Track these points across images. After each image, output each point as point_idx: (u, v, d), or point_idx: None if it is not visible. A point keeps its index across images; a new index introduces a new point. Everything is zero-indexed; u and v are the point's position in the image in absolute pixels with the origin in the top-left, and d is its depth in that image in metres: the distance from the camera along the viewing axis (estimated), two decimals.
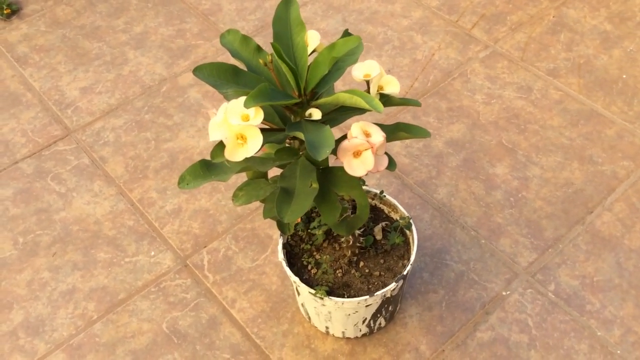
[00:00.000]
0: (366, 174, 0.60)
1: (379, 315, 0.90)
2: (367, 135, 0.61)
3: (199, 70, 0.61)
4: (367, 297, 0.83)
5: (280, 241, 0.88)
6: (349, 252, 0.88)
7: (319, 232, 0.87)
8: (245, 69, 0.66)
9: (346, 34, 0.67)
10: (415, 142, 1.17)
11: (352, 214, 0.85)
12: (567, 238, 1.03)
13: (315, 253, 0.90)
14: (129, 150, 1.18)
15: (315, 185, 0.63)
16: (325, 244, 0.91)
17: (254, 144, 0.57)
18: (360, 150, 0.60)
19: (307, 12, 1.41)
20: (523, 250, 1.02)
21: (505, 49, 1.31)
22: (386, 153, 0.63)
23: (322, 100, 0.61)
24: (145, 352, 0.94)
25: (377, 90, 0.63)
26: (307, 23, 1.38)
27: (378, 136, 0.60)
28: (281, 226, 0.65)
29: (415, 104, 0.65)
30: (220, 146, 0.59)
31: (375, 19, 1.39)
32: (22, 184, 1.14)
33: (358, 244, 0.88)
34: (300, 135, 0.56)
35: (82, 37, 1.38)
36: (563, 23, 1.36)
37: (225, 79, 0.61)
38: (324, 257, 0.86)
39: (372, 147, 0.60)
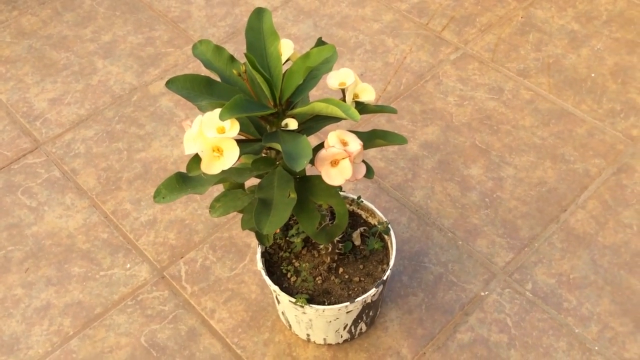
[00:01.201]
0: (344, 183, 0.60)
1: (359, 321, 0.90)
2: (344, 143, 0.61)
3: (171, 83, 0.60)
4: (348, 303, 0.83)
5: (259, 250, 0.87)
6: (328, 258, 0.88)
7: (297, 240, 0.86)
8: (219, 79, 0.65)
9: (320, 42, 0.67)
10: (390, 146, 1.17)
11: (330, 221, 0.85)
12: (543, 237, 1.04)
13: (294, 261, 0.89)
14: (100, 162, 1.16)
15: (294, 195, 0.63)
16: (304, 251, 0.90)
17: (230, 157, 0.57)
18: (337, 159, 0.60)
19: (278, 18, 1.40)
20: (500, 250, 1.03)
21: (475, 51, 1.33)
22: (363, 161, 0.63)
23: (297, 110, 0.61)
24: None
25: (353, 99, 0.63)
26: (279, 29, 1.38)
27: (355, 145, 0.60)
28: (260, 237, 0.65)
29: (392, 111, 0.65)
30: (196, 159, 0.58)
31: (346, 23, 1.39)
32: None
33: (337, 251, 0.88)
34: (277, 146, 0.56)
35: (49, 48, 1.35)
36: (531, 24, 1.37)
37: (198, 90, 0.61)
38: (303, 264, 0.85)
39: (349, 156, 0.59)
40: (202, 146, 0.56)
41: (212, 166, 0.57)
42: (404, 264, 1.02)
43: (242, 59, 1.30)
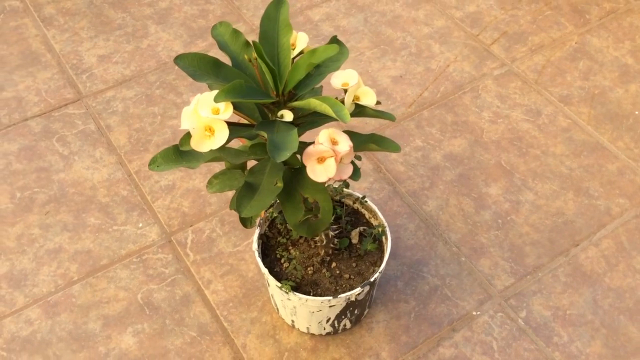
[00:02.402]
0: (328, 180, 0.61)
1: (343, 317, 0.91)
2: (334, 143, 0.62)
3: (180, 59, 0.63)
4: (331, 298, 0.85)
5: (257, 232, 0.90)
6: (322, 251, 0.90)
7: None
8: (231, 62, 0.67)
9: (333, 40, 0.68)
10: (414, 151, 1.17)
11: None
12: (548, 267, 1.03)
13: (290, 248, 0.92)
14: (135, 122, 1.21)
15: (280, 184, 0.64)
16: (301, 240, 0.92)
17: (220, 138, 0.59)
18: (324, 157, 0.61)
19: (330, 8, 1.41)
20: (501, 273, 1.02)
21: (521, 70, 1.30)
22: (353, 162, 0.64)
23: (295, 103, 0.62)
24: (117, 318, 0.97)
25: (353, 100, 0.64)
26: (328, 19, 1.39)
27: (344, 145, 0.62)
28: (242, 220, 0.67)
29: (390, 118, 0.66)
30: (188, 135, 0.60)
31: (397, 23, 1.39)
32: (28, 141, 1.18)
33: (332, 245, 0.89)
34: (264, 135, 0.58)
35: (108, 6, 1.41)
36: (584, 51, 1.34)
37: (205, 70, 0.63)
38: (296, 253, 0.87)
39: (336, 156, 0.61)
40: (194, 124, 0.59)
41: (201, 144, 0.59)
42: (402, 270, 1.02)
43: None
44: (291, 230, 0.91)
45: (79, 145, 1.17)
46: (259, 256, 0.88)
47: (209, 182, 0.73)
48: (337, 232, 0.90)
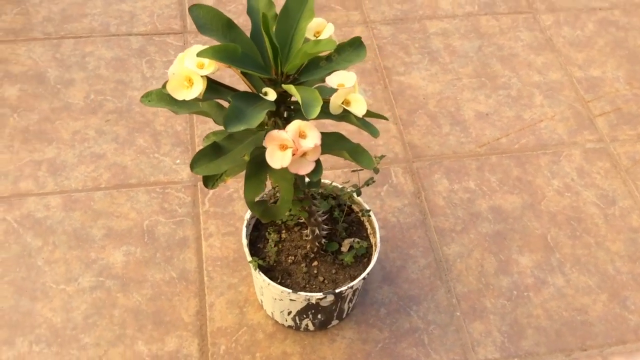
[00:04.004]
0: (281, 168, 0.61)
1: (304, 316, 0.90)
2: (302, 136, 0.61)
3: (195, 9, 0.64)
4: (290, 291, 0.84)
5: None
6: (308, 246, 0.89)
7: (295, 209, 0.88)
8: (251, 28, 0.68)
9: (355, 41, 0.67)
10: (461, 191, 1.12)
11: (324, 231, 0.86)
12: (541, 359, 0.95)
13: (283, 231, 0.92)
14: None
15: (246, 158, 0.65)
16: (296, 229, 0.92)
17: (194, 91, 0.60)
18: (285, 145, 0.61)
19: (450, 25, 1.37)
20: (490, 344, 0.95)
21: (617, 152, 1.19)
22: (319, 163, 0.63)
23: (284, 85, 0.62)
24: (118, 233, 1.03)
25: (342, 103, 0.63)
26: (442, 35, 1.35)
27: (309, 142, 0.60)
28: (205, 178, 0.68)
29: (373, 132, 0.63)
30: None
31: (510, 61, 1.32)
32: (122, 54, 1.27)
33: (317, 244, 0.88)
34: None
35: None
36: None
37: (215, 27, 0.64)
38: (273, 235, 0.87)
39: (295, 148, 0.60)
40: (176, 70, 0.61)
41: (177, 91, 0.61)
42: (392, 299, 0.99)
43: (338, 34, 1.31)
44: (290, 214, 0.91)
45: (162, 73, 1.24)
46: (246, 225, 0.89)
47: (207, 137, 0.75)
48: (327, 232, 0.89)
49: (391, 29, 1.36)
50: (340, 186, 0.93)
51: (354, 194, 0.90)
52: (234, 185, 1.10)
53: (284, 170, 0.63)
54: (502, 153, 1.18)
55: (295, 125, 0.61)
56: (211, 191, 1.09)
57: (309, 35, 0.67)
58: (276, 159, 0.61)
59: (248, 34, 0.68)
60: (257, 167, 0.66)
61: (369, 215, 0.91)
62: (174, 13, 1.35)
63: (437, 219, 1.08)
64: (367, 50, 1.30)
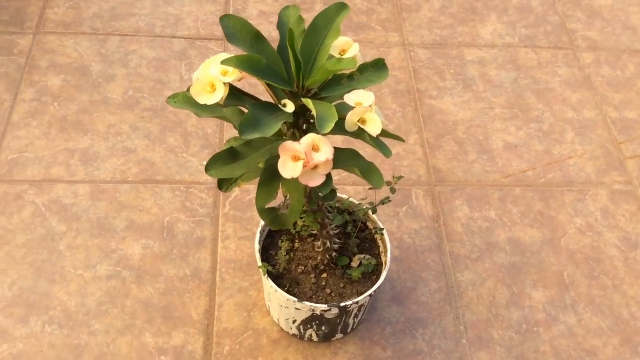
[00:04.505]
0: (291, 178, 0.62)
1: (309, 327, 0.91)
2: (316, 149, 0.63)
3: (226, 19, 0.67)
4: (296, 299, 0.85)
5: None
6: (319, 258, 0.90)
7: (303, 223, 0.90)
8: (278, 42, 0.70)
9: (379, 62, 0.68)
10: (481, 220, 1.12)
11: (336, 245, 0.87)
12: None
13: (296, 241, 0.93)
14: None
15: (261, 166, 0.67)
16: (309, 240, 0.93)
17: (215, 97, 0.63)
18: (298, 157, 0.62)
19: (488, 54, 1.37)
20: None
21: None
22: (330, 177, 0.64)
23: (303, 100, 0.64)
24: (140, 226, 1.06)
25: (358, 122, 0.64)
26: (479, 63, 1.35)
27: (322, 156, 0.62)
28: (219, 181, 0.70)
29: (386, 153, 0.64)
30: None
31: (545, 95, 1.32)
32: (164, 55, 1.31)
33: (328, 255, 0.89)
34: (245, 108, 0.60)
35: None
36: None
37: (243, 37, 0.67)
38: (285, 244, 0.89)
39: (306, 161, 0.62)
40: (201, 75, 0.63)
41: (199, 96, 0.63)
42: (399, 319, 0.99)
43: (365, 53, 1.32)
44: (304, 225, 0.93)
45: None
46: (260, 231, 0.91)
47: (227, 141, 0.77)
48: (339, 246, 0.90)
49: (429, 53, 1.37)
50: (356, 202, 0.94)
51: (370, 212, 0.91)
52: (255, 190, 1.12)
53: (296, 180, 0.65)
54: (527, 186, 1.17)
55: (310, 138, 0.62)
56: (232, 195, 1.12)
57: (335, 53, 0.69)
58: (288, 169, 0.63)
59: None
60: (271, 175, 0.68)
61: (382, 234, 0.92)
62: (218, 20, 1.38)
63: (453, 244, 1.08)
64: (402, 72, 1.32)
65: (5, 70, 1.24)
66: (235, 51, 1.32)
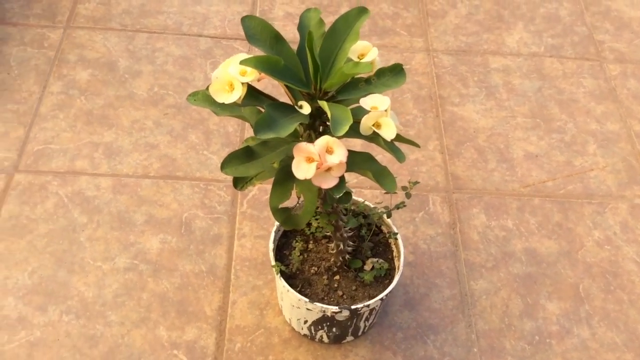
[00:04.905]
0: (304, 179, 0.63)
1: (320, 328, 0.92)
2: (330, 151, 0.63)
3: (247, 19, 0.68)
4: (307, 300, 0.86)
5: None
6: (332, 259, 0.91)
7: (317, 224, 0.90)
8: (298, 43, 0.71)
9: (397, 67, 0.68)
10: (498, 229, 1.11)
11: (350, 248, 0.88)
12: None
13: (310, 242, 0.94)
14: None
15: (276, 166, 0.68)
16: (323, 241, 0.94)
17: (233, 96, 0.64)
18: (311, 158, 0.63)
19: (513, 62, 1.37)
20: None
21: None
22: (343, 180, 0.65)
23: (320, 102, 0.64)
24: (158, 221, 1.08)
25: (373, 125, 0.65)
26: (503, 71, 1.35)
27: (335, 158, 0.63)
28: (235, 179, 0.71)
29: (399, 157, 0.65)
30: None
31: (568, 106, 1.30)
32: (190, 53, 1.33)
33: (341, 257, 0.90)
34: (262, 108, 0.61)
35: None
36: None
37: (263, 38, 0.68)
38: (299, 244, 0.90)
39: (320, 162, 0.62)
40: (220, 74, 0.64)
41: (218, 94, 0.64)
42: (410, 325, 0.99)
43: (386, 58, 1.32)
44: (319, 226, 0.93)
45: None
46: (275, 231, 0.92)
47: (245, 141, 0.78)
48: (352, 249, 0.90)
49: (452, 59, 1.37)
50: (372, 205, 0.94)
51: (384, 215, 0.92)
52: None
53: (309, 181, 0.66)
54: (545, 196, 1.16)
55: (324, 140, 0.63)
56: (250, 193, 1.13)
57: (353, 56, 0.69)
58: (301, 170, 0.63)
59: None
60: (285, 175, 0.69)
61: (396, 238, 0.92)
62: None
63: (468, 252, 1.08)
64: (425, 77, 1.32)
65: (35, 63, 1.27)
66: (257, 52, 1.33)
